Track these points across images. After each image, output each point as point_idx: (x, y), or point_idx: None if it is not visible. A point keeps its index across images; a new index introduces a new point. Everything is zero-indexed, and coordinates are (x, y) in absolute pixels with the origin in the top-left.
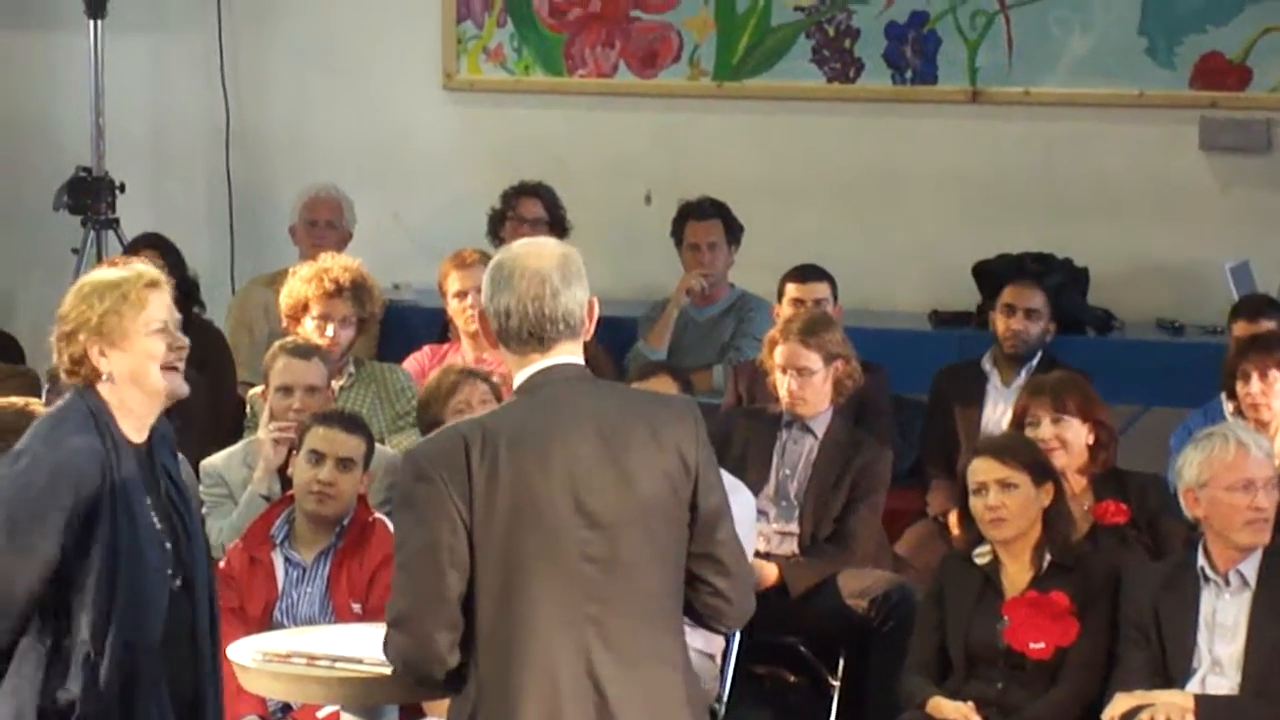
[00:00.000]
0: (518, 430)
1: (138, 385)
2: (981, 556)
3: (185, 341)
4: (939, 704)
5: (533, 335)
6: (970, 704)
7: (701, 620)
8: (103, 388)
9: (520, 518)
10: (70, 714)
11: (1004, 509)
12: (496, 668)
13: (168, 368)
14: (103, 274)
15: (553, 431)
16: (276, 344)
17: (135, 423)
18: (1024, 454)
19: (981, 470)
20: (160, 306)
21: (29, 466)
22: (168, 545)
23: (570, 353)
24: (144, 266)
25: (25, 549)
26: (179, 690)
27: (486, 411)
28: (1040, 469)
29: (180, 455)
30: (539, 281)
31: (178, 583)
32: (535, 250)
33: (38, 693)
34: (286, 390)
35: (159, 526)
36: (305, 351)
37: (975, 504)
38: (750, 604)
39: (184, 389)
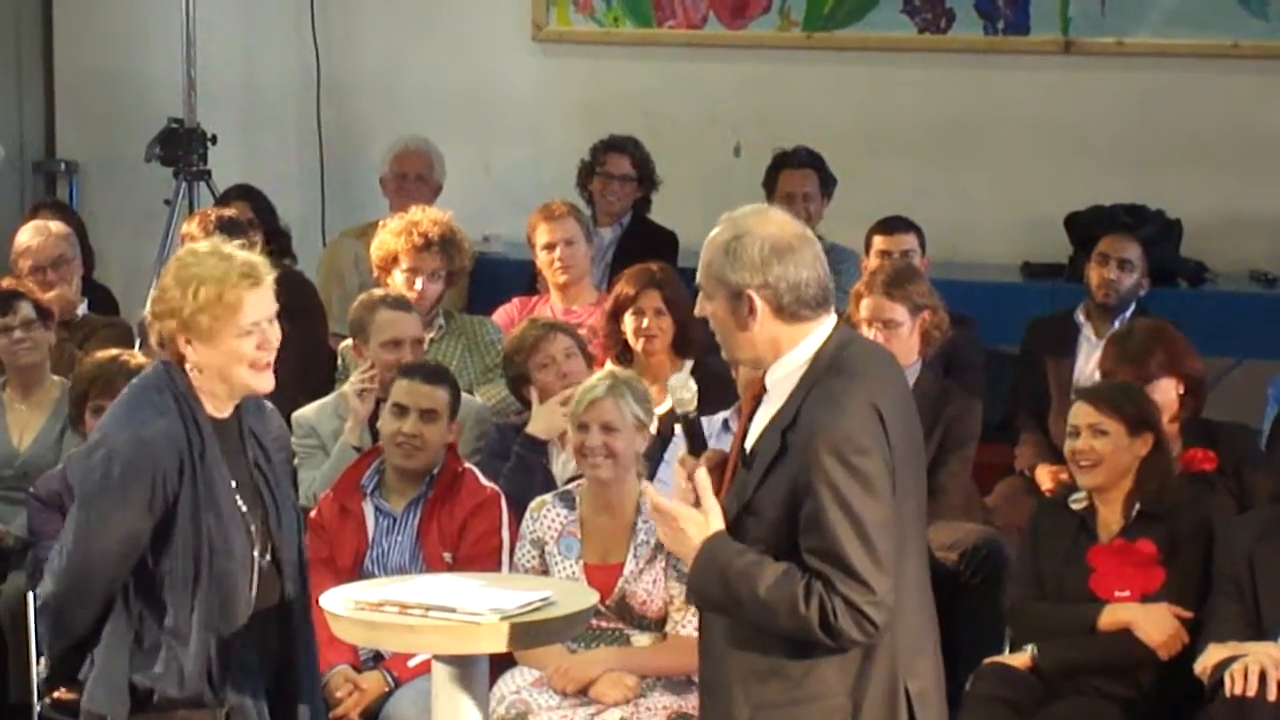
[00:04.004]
0: (886, 395)
1: (223, 380)
2: (1077, 502)
3: (276, 340)
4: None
5: (826, 295)
6: None
7: None
8: (189, 367)
9: (906, 483)
10: (153, 697)
11: (1093, 453)
12: (897, 627)
13: (255, 365)
14: (208, 259)
15: (895, 400)
16: (366, 296)
17: (218, 403)
18: (1122, 403)
19: (1078, 413)
20: (255, 306)
21: (105, 459)
22: (252, 528)
23: None
24: (248, 256)
25: (103, 539)
26: (267, 659)
27: (572, 368)
28: (1138, 419)
29: (271, 406)
30: (813, 242)
31: (266, 559)
32: (782, 218)
33: (125, 676)
34: (396, 343)
35: (244, 510)
36: (404, 304)
37: (1068, 446)
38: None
39: (268, 386)
